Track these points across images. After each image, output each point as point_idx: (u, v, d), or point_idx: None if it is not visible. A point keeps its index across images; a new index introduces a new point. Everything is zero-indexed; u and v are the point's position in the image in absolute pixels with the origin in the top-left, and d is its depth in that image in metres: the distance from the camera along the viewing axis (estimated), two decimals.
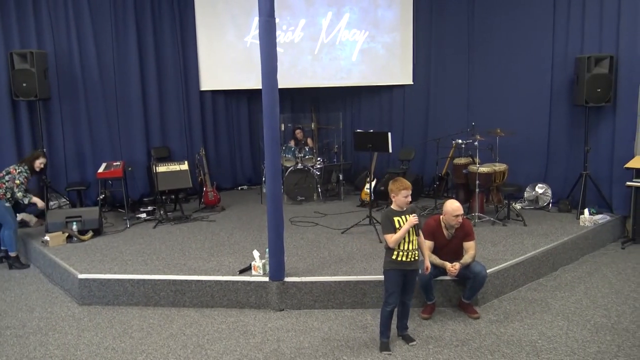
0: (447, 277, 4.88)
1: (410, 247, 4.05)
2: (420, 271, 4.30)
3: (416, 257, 4.11)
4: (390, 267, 4.10)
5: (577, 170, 7.55)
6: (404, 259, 4.05)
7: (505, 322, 4.67)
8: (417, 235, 4.10)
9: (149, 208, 8.03)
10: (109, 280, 5.22)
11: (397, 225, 4.02)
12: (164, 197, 8.16)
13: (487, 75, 8.64)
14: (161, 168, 7.69)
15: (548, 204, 7.75)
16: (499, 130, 7.06)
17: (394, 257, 4.06)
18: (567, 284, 5.52)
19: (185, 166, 7.90)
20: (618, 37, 7.09)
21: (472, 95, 8.88)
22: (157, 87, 9.06)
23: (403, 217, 4.05)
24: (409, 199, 4.06)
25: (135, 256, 5.91)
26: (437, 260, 4.70)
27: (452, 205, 4.63)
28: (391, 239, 4.02)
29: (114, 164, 7.91)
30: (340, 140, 9.47)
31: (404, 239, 4.03)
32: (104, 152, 8.52)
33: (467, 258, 4.68)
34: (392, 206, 4.13)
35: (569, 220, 7.08)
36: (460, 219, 4.63)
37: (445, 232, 4.74)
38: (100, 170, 7.67)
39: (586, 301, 5.08)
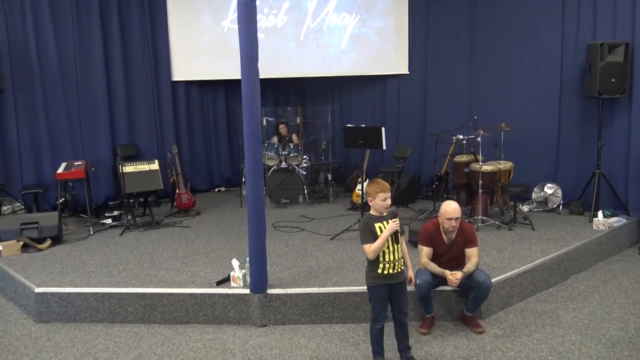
0: (448, 288, 4.89)
1: (396, 257, 4.01)
2: (417, 282, 4.30)
3: (402, 268, 4.08)
4: (375, 282, 4.05)
5: (589, 169, 7.60)
6: (390, 271, 4.00)
7: (512, 336, 4.69)
8: (397, 242, 4.01)
9: (115, 213, 7.97)
10: (69, 294, 5.17)
11: (379, 232, 3.97)
12: (131, 201, 8.10)
13: (490, 64, 8.69)
14: (128, 168, 7.63)
15: (558, 206, 7.81)
16: (503, 125, 7.09)
17: (379, 270, 4.00)
18: (579, 294, 5.56)
19: (155, 166, 7.85)
20: (634, 21, 7.14)
21: (474, 86, 8.92)
22: (123, 77, 9.01)
23: (385, 222, 3.99)
24: (388, 202, 3.98)
25: (100, 267, 5.86)
26: (436, 268, 4.71)
27: (448, 207, 4.65)
28: (370, 248, 3.96)
29: (75, 163, 7.83)
30: (328, 136, 9.47)
31: (387, 248, 3.97)
32: (64, 150, 8.45)
33: (469, 266, 4.69)
34: (370, 212, 4.10)
35: (582, 223, 7.13)
36: (454, 223, 4.63)
37: (444, 237, 4.75)
38: (60, 170, 7.60)
39: (601, 313, 5.11)
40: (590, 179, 7.51)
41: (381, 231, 3.95)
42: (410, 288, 4.36)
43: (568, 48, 7.84)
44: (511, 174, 7.15)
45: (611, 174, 7.46)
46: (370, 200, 4.03)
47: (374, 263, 4.02)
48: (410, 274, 4.29)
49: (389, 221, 3.98)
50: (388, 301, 4.12)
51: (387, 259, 3.99)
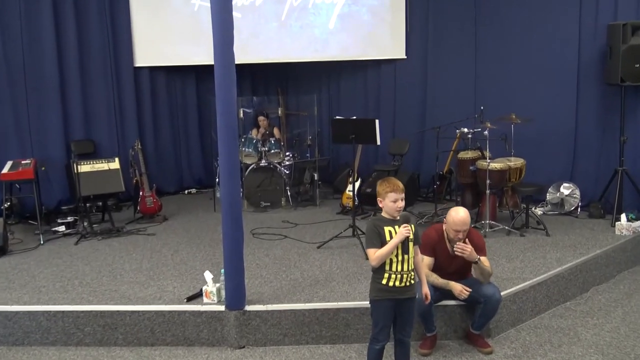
0: (451, 302, 4.90)
1: (405, 268, 3.95)
2: (417, 296, 4.28)
3: (412, 281, 4.02)
4: (378, 295, 4.02)
5: (611, 166, 7.66)
6: (396, 283, 3.95)
7: (524, 357, 4.71)
8: (407, 252, 3.94)
9: (69, 219, 7.91)
10: (16, 313, 5.11)
11: (388, 237, 3.93)
12: (88, 205, 8.05)
13: (499, 47, 8.73)
14: (84, 167, 7.58)
15: (576, 208, 7.87)
16: (514, 117, 7.13)
17: (383, 281, 3.96)
18: (600, 308, 5.59)
19: (115, 164, 7.81)
20: None
21: (480, 72, 8.96)
22: (78, 64, 8.95)
23: (397, 227, 3.94)
24: (400, 204, 3.95)
25: (52, 281, 5.81)
26: (438, 280, 4.71)
27: (456, 216, 4.60)
28: (374, 254, 3.93)
29: (23, 162, 7.76)
30: (314, 130, 9.47)
31: (395, 257, 3.93)
32: (10, 147, 8.39)
33: (486, 264, 4.70)
34: (382, 213, 4.08)
35: (602, 228, 7.19)
36: (461, 236, 4.62)
37: (448, 245, 4.76)
38: (5, 170, 7.53)
39: (625, 329, 5.15)
40: (612, 178, 7.58)
41: (391, 237, 3.92)
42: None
43: (586, 29, 7.89)
44: (522, 173, 7.19)
45: (635, 172, 7.53)
46: (380, 201, 4.01)
47: (378, 272, 3.99)
48: (425, 289, 4.23)
49: (401, 227, 3.93)
50: (392, 319, 4.08)
51: (393, 268, 3.94)
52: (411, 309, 4.12)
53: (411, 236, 3.92)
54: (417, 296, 4.36)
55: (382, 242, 3.92)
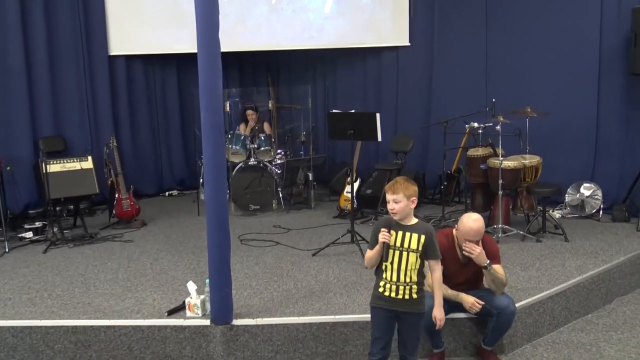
0: (461, 315, 4.90)
1: (402, 279, 3.96)
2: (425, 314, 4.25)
3: (415, 295, 3.99)
4: (375, 302, 4.09)
5: (636, 164, 7.70)
6: (392, 294, 3.98)
7: None
8: (386, 259, 3.96)
9: (37, 224, 7.89)
10: None
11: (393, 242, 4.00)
12: (58, 209, 8.03)
13: (512, 33, 8.75)
14: (54, 167, 7.58)
15: (597, 211, 7.88)
16: (529, 110, 7.14)
17: (380, 289, 4.03)
18: (625, 321, 5.60)
19: (88, 164, 7.81)
20: None
21: (492, 61, 8.98)
22: (46, 52, 8.93)
23: (401, 232, 3.97)
24: (391, 206, 3.96)
25: (18, 293, 5.79)
26: (447, 291, 4.70)
27: (470, 224, 4.56)
28: (366, 255, 4.09)
29: None
30: (309, 125, 9.48)
31: (390, 264, 3.96)
32: None
33: (500, 272, 4.70)
34: None
35: (627, 232, 7.21)
36: (475, 245, 4.63)
37: (459, 252, 4.76)
38: None
39: None
40: (638, 177, 7.61)
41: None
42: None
43: (609, 13, 7.91)
44: (539, 172, 7.21)
45: None
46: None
47: (377, 277, 4.09)
48: (437, 312, 4.13)
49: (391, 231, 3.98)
50: (390, 332, 4.10)
51: (388, 277, 3.98)
52: (413, 325, 4.09)
53: (416, 245, 3.92)
54: (422, 315, 4.35)
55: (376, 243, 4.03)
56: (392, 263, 3.95)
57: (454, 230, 4.75)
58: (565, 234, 6.95)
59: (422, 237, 3.94)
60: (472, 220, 4.59)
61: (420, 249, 3.93)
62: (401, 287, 3.96)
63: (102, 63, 9.53)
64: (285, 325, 4.96)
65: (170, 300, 5.46)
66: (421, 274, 4.01)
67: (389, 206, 3.97)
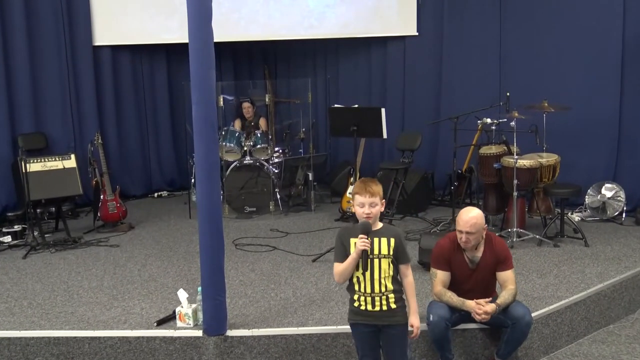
0: (472, 325, 4.90)
1: (377, 289, 3.91)
2: (432, 319, 4.25)
3: (393, 305, 3.96)
4: (352, 318, 4.05)
5: None
6: (368, 307, 3.93)
7: None
8: (367, 269, 3.87)
9: (16, 228, 7.92)
10: None
11: (353, 251, 3.91)
12: (39, 211, 8.05)
13: (528, 22, 8.75)
14: (34, 166, 7.58)
15: (620, 214, 7.88)
16: (546, 105, 7.15)
17: (355, 304, 3.98)
18: None
19: (71, 162, 7.82)
20: None
21: (505, 52, 8.99)
22: (26, 44, 8.96)
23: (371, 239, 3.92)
24: (367, 210, 3.88)
25: None
26: (453, 299, 4.70)
27: (463, 215, 4.63)
28: (336, 269, 3.96)
29: None
30: (309, 121, 9.49)
31: (362, 275, 3.90)
32: None
33: (506, 296, 4.69)
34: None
35: None
36: (464, 238, 4.62)
37: (466, 257, 4.77)
38: None
39: None
40: None
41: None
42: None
43: (632, 3, 7.90)
44: (557, 171, 7.21)
45: None
46: (352, 206, 4.04)
47: (350, 292, 4.02)
48: (413, 320, 4.09)
49: (358, 238, 3.86)
50: (375, 348, 4.08)
51: (362, 289, 3.93)
52: (396, 338, 4.05)
53: (386, 251, 3.88)
54: (430, 319, 4.35)
55: (347, 256, 3.90)
56: (363, 274, 3.88)
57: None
58: (585, 238, 6.94)
59: (392, 241, 3.90)
60: (467, 212, 4.64)
61: (391, 253, 3.89)
62: (377, 298, 3.91)
63: (86, 54, 9.55)
64: (283, 337, 4.97)
65: (159, 309, 5.46)
66: (396, 282, 3.95)
67: (364, 210, 3.86)
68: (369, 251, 3.82)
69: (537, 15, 8.63)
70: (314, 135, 9.68)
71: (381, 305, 3.90)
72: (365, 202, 3.85)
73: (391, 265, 3.89)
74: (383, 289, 3.89)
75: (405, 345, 4.10)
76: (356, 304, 3.95)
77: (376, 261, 3.87)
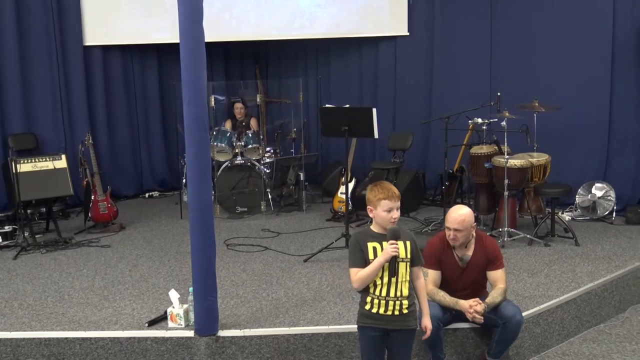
0: (463, 325, 4.91)
1: (392, 294, 3.87)
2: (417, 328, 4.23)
3: (405, 310, 3.92)
4: (362, 321, 3.99)
5: None
6: (380, 311, 3.88)
7: None
8: (394, 274, 3.83)
9: (7, 228, 7.89)
10: None
11: (372, 256, 3.86)
12: (29, 212, 8.03)
13: (518, 22, 8.77)
14: (25, 166, 7.56)
15: (610, 213, 7.91)
16: (537, 104, 7.16)
17: (367, 306, 3.92)
18: None
19: (62, 163, 7.80)
20: None
21: (496, 52, 9.01)
22: (16, 43, 8.95)
23: (385, 243, 3.83)
24: (395, 214, 3.87)
25: None
26: (446, 298, 4.71)
27: (452, 212, 4.65)
28: (356, 275, 3.88)
29: None
30: (300, 121, 9.48)
31: (380, 279, 3.85)
32: None
33: (495, 295, 4.70)
34: (371, 226, 4.03)
35: None
36: (452, 235, 4.62)
37: (456, 256, 4.78)
38: None
39: None
40: None
41: (376, 255, 3.84)
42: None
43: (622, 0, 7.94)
44: (547, 171, 7.23)
45: None
46: (371, 211, 3.95)
47: (362, 295, 3.96)
48: (426, 322, 4.12)
49: (387, 243, 3.81)
50: (380, 353, 4.04)
51: (377, 292, 3.88)
52: (404, 343, 4.04)
53: (404, 255, 3.86)
54: (415, 330, 4.34)
55: (366, 261, 3.85)
56: (381, 277, 3.84)
57: None
58: (576, 237, 6.97)
59: (408, 244, 3.89)
60: (456, 209, 4.65)
61: (409, 256, 3.88)
62: (391, 303, 3.86)
63: (76, 54, 9.53)
64: (275, 337, 4.97)
65: (150, 310, 5.45)
66: (410, 287, 3.92)
67: (392, 215, 3.84)
68: (397, 257, 3.79)
69: (528, 15, 8.65)
70: (305, 135, 9.68)
71: (394, 309, 3.86)
72: (393, 206, 3.84)
73: (407, 268, 3.87)
74: (398, 294, 3.85)
75: (411, 349, 4.10)
76: (367, 307, 3.90)
77: (402, 264, 3.84)
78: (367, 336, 3.98)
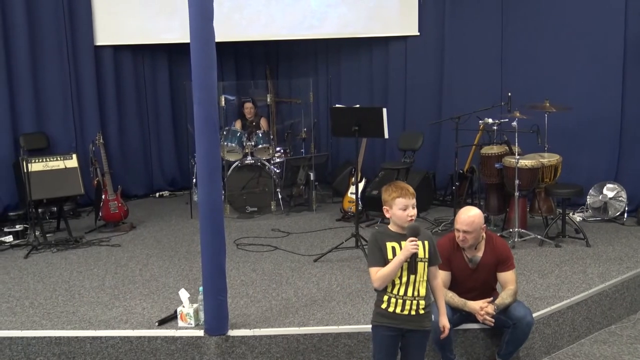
0: (473, 325, 4.90)
1: (410, 293, 3.85)
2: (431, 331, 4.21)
3: (422, 310, 3.90)
4: (376, 321, 3.96)
5: None
6: (397, 310, 3.86)
7: None
8: (414, 272, 3.81)
9: (18, 227, 7.91)
10: None
11: (391, 256, 3.84)
12: (40, 211, 8.05)
13: (530, 21, 8.74)
14: (36, 166, 7.58)
15: (622, 214, 7.89)
16: (548, 105, 7.14)
17: (383, 305, 3.89)
18: None
19: (73, 162, 7.81)
20: None
21: (507, 52, 8.98)
22: (28, 43, 8.95)
23: (403, 243, 3.81)
24: (412, 212, 3.85)
25: None
26: (455, 299, 4.71)
27: (462, 214, 4.65)
28: (376, 274, 3.84)
29: None
30: (310, 121, 9.48)
31: (398, 279, 3.83)
32: None
33: (505, 297, 4.69)
34: (389, 225, 3.99)
35: None
36: (461, 237, 4.61)
37: (466, 257, 4.77)
38: None
39: None
40: None
41: (394, 254, 3.81)
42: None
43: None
44: (558, 171, 7.21)
45: None
46: (387, 210, 3.92)
47: (380, 294, 3.92)
48: (444, 321, 4.09)
49: (407, 241, 3.78)
50: (393, 353, 4.01)
51: (395, 291, 3.85)
52: (418, 343, 4.01)
53: (422, 254, 3.83)
54: (432, 319, 4.32)
55: (385, 260, 3.82)
56: (400, 277, 3.81)
57: None
58: (587, 238, 6.94)
59: (426, 243, 3.87)
60: (466, 211, 4.65)
61: (427, 256, 3.85)
62: (408, 302, 3.84)
63: (87, 54, 9.54)
64: (285, 336, 4.97)
65: (161, 309, 5.46)
66: (427, 288, 3.90)
67: (408, 213, 3.82)
68: (421, 253, 3.79)
69: (539, 15, 8.61)
70: (315, 135, 9.67)
71: (410, 309, 3.83)
72: (409, 204, 3.81)
73: (425, 268, 3.85)
74: (416, 294, 3.83)
75: (425, 351, 4.07)
76: (384, 305, 3.87)
77: (420, 264, 3.81)
78: (381, 336, 3.94)
